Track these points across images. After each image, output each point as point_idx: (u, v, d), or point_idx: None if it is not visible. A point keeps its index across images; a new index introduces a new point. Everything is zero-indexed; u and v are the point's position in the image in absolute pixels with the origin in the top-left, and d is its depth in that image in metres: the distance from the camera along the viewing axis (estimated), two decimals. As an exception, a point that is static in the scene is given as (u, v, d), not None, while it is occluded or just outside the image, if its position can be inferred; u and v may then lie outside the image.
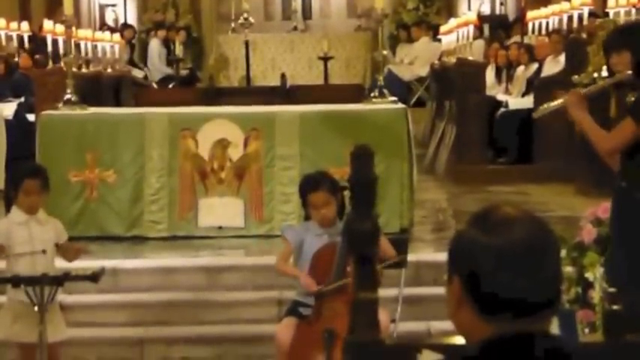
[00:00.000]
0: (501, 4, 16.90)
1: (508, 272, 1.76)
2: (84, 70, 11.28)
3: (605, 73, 7.48)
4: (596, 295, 5.10)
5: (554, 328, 1.87)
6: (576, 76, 9.19)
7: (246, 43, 14.67)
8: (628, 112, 4.85)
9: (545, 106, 5.01)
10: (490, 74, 12.01)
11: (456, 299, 1.81)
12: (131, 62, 15.61)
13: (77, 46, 10.65)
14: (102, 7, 17.57)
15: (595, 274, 5.11)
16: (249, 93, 13.11)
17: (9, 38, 12.41)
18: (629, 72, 4.85)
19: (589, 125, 4.79)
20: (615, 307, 3.57)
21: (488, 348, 1.76)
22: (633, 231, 4.69)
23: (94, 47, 12.05)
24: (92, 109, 8.37)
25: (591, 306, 5.13)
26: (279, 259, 5.39)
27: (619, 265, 4.77)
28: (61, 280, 4.84)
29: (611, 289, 4.23)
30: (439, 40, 14.77)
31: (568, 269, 5.11)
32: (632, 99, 4.86)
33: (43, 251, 5.13)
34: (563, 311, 4.65)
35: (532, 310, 1.77)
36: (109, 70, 12.48)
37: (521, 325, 1.77)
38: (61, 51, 9.48)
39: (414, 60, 15.90)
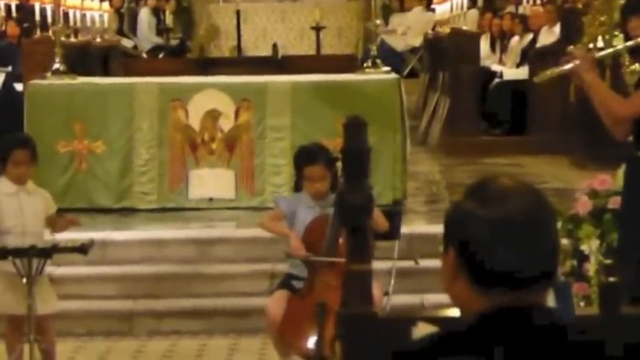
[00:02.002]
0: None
1: (504, 244, 1.72)
2: (72, 39, 11.16)
3: (600, 44, 7.42)
4: (591, 267, 5.06)
5: (550, 300, 1.82)
6: (572, 47, 9.11)
7: (237, 13, 14.54)
8: None
9: (549, 72, 4.80)
10: (485, 44, 11.93)
11: (452, 271, 1.78)
12: (120, 32, 15.46)
13: (65, 14, 10.51)
14: (91, -24, 17.39)
15: (590, 246, 5.06)
16: (240, 63, 13.00)
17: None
18: None
19: (603, 90, 4.59)
20: (611, 279, 3.51)
21: (483, 320, 1.73)
22: None
23: (83, 16, 11.90)
24: (81, 79, 8.30)
25: (586, 279, 5.09)
26: (268, 218, 5.35)
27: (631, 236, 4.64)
28: (50, 251, 4.81)
29: (607, 261, 4.17)
30: (433, 10, 14.66)
31: (563, 242, 5.05)
32: (632, 67, 4.76)
33: (34, 227, 5.07)
34: (559, 283, 4.59)
35: (528, 283, 1.74)
36: (98, 39, 12.35)
37: (517, 297, 1.73)
38: (49, 20, 9.37)
39: (407, 30, 15.79)
